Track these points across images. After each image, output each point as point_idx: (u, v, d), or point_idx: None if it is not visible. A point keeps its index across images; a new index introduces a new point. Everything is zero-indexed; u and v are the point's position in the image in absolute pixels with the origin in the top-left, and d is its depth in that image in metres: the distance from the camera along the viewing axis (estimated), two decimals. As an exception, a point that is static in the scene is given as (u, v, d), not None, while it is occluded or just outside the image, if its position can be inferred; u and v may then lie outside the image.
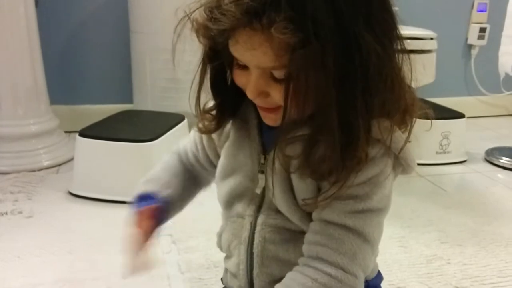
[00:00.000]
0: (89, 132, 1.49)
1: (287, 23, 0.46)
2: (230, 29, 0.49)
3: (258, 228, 0.64)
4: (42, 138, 1.77)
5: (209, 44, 0.55)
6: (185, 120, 1.67)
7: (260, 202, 0.64)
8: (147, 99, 1.91)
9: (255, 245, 0.64)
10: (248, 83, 0.54)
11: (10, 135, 1.71)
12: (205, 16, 0.51)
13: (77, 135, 1.49)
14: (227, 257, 0.71)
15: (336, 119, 0.50)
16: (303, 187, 0.58)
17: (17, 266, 1.12)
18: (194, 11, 0.53)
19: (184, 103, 0.63)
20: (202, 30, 0.52)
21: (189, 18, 0.54)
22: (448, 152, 1.88)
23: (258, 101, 0.56)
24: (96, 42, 2.15)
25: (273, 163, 0.57)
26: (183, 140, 0.78)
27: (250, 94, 0.54)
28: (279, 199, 0.61)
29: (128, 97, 2.09)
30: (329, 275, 0.54)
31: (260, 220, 0.64)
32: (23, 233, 1.27)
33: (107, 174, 1.47)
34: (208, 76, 0.60)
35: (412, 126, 0.56)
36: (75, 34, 2.13)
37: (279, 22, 0.46)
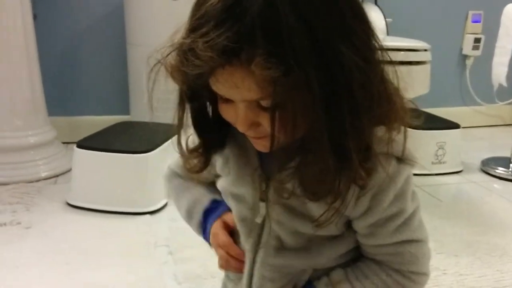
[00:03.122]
0: (87, 144, 1.50)
1: (266, 57, 0.44)
2: (208, 72, 0.47)
3: (257, 265, 0.63)
4: (40, 149, 1.78)
5: (186, 85, 0.53)
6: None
7: (260, 234, 0.63)
8: (144, 110, 1.93)
9: (254, 281, 0.64)
10: (237, 116, 0.52)
11: (8, 146, 1.71)
12: (179, 59, 0.49)
13: (75, 146, 1.50)
14: (232, 280, 0.71)
15: (327, 141, 0.49)
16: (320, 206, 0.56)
17: (16, 276, 1.12)
18: (167, 56, 0.50)
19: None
20: (177, 74, 0.50)
21: (162, 64, 0.51)
22: (443, 163, 1.89)
23: (250, 133, 0.54)
24: (94, 54, 2.17)
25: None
26: (174, 159, 0.72)
27: (241, 128, 0.52)
28: (284, 226, 0.60)
29: (125, 108, 2.11)
30: (402, 277, 0.60)
31: (259, 258, 0.63)
32: (21, 243, 1.27)
33: (104, 185, 1.48)
34: (188, 115, 0.58)
35: (406, 130, 0.56)
36: (73, 46, 2.14)
37: (259, 57, 0.44)
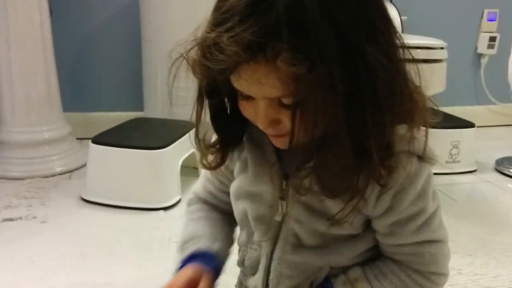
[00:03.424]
0: (102, 139, 1.51)
1: (293, 53, 0.43)
2: (232, 67, 0.46)
3: (274, 262, 0.63)
4: (55, 144, 1.79)
5: (207, 80, 0.52)
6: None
7: (277, 232, 0.62)
8: (157, 106, 1.93)
9: (270, 278, 0.63)
10: (257, 114, 0.51)
11: (23, 141, 1.74)
12: (202, 54, 0.48)
13: (90, 142, 1.51)
14: (251, 275, 0.70)
15: (348, 139, 0.48)
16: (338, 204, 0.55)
17: (31, 269, 1.13)
18: (189, 50, 0.50)
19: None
20: (200, 69, 0.49)
21: (185, 58, 0.51)
22: (457, 162, 1.88)
23: (269, 131, 0.53)
24: (108, 51, 2.18)
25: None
26: (197, 182, 0.74)
27: (261, 125, 0.52)
28: (302, 225, 0.59)
29: (139, 105, 2.12)
30: (422, 277, 0.59)
31: (276, 254, 0.62)
32: (37, 237, 1.29)
33: (119, 180, 1.49)
34: (207, 110, 0.57)
35: (428, 128, 0.55)
36: (88, 43, 2.16)
37: (285, 53, 0.43)
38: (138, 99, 2.11)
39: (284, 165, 0.60)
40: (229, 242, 0.70)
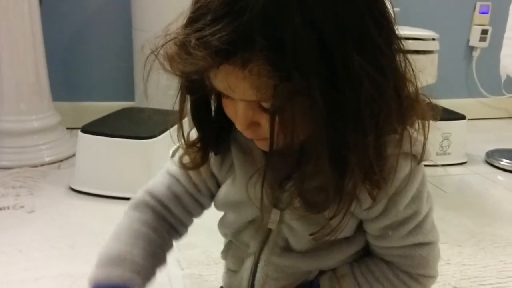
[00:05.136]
0: (91, 128, 1.50)
1: (263, 63, 0.40)
2: (202, 70, 0.44)
3: (261, 263, 0.62)
4: (44, 134, 1.77)
5: (183, 78, 0.50)
6: (186, 118, 1.68)
7: (267, 233, 0.61)
8: (148, 96, 1.92)
9: (257, 278, 0.63)
10: (236, 114, 0.49)
11: (12, 130, 1.71)
12: (171, 53, 0.45)
13: (79, 131, 1.50)
14: (233, 272, 0.69)
15: (327, 154, 0.45)
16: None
17: (19, 260, 1.12)
18: (161, 47, 0.47)
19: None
20: (172, 67, 0.46)
21: (155, 55, 0.48)
22: (448, 154, 1.89)
23: (248, 134, 0.50)
24: (99, 39, 2.15)
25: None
26: (155, 181, 0.66)
27: (239, 127, 0.49)
28: (294, 231, 0.58)
29: (129, 95, 2.10)
30: (409, 278, 0.58)
31: (264, 256, 0.61)
32: (25, 227, 1.27)
33: (108, 170, 1.48)
34: (188, 106, 0.55)
35: (428, 130, 0.52)
36: (78, 31, 2.13)
37: (254, 63, 0.40)
38: (129, 89, 2.09)
39: (272, 169, 0.56)
40: (153, 275, 0.64)
